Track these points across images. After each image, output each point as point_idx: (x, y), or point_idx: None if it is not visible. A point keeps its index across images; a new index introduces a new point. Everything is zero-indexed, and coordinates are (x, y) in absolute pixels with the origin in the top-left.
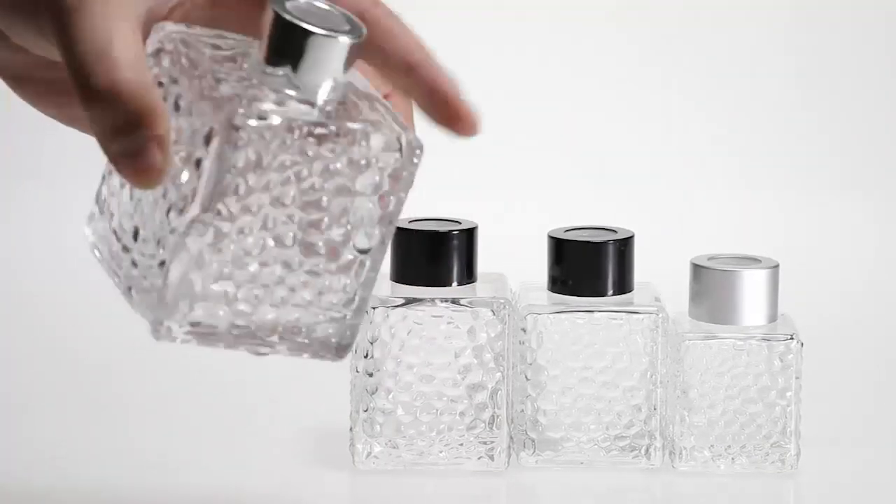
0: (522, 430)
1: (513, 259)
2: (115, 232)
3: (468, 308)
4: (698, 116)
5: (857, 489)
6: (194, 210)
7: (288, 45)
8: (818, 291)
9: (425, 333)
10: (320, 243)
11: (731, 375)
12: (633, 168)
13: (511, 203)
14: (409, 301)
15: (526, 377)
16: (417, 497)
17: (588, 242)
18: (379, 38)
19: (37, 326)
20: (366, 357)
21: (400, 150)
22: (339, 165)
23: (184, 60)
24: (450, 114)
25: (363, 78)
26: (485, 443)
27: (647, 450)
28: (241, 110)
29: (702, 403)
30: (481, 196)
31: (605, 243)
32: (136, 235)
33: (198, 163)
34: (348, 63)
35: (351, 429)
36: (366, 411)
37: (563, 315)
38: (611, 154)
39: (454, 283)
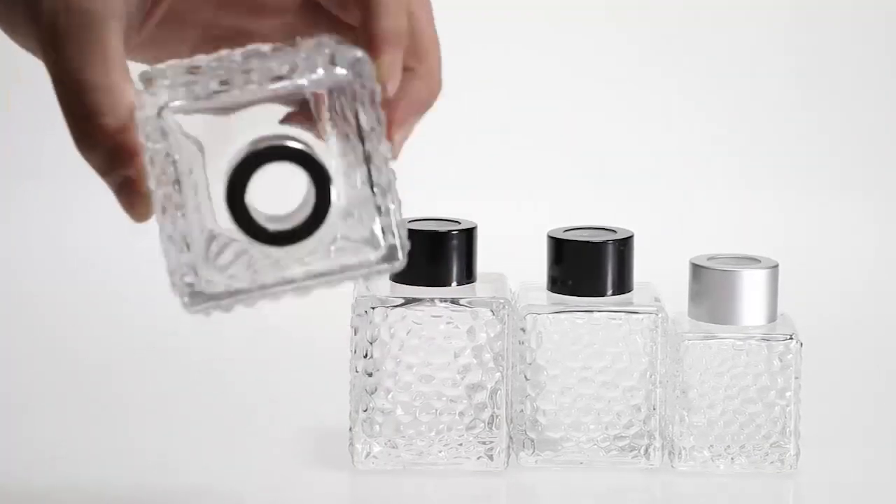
0: (522, 430)
1: (512, 259)
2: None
3: (468, 308)
4: (698, 116)
5: (857, 489)
6: None
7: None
8: (818, 291)
9: (425, 333)
10: None
11: (731, 375)
12: (632, 168)
13: (511, 203)
14: (409, 301)
15: (525, 377)
16: (417, 497)
17: (588, 242)
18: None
19: (37, 326)
20: (365, 357)
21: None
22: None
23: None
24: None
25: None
26: (484, 443)
27: (646, 450)
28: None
29: (701, 403)
30: (481, 196)
31: (604, 243)
32: None
33: None
34: None
35: (350, 429)
36: (365, 411)
37: (562, 315)
38: (610, 154)
39: (454, 283)
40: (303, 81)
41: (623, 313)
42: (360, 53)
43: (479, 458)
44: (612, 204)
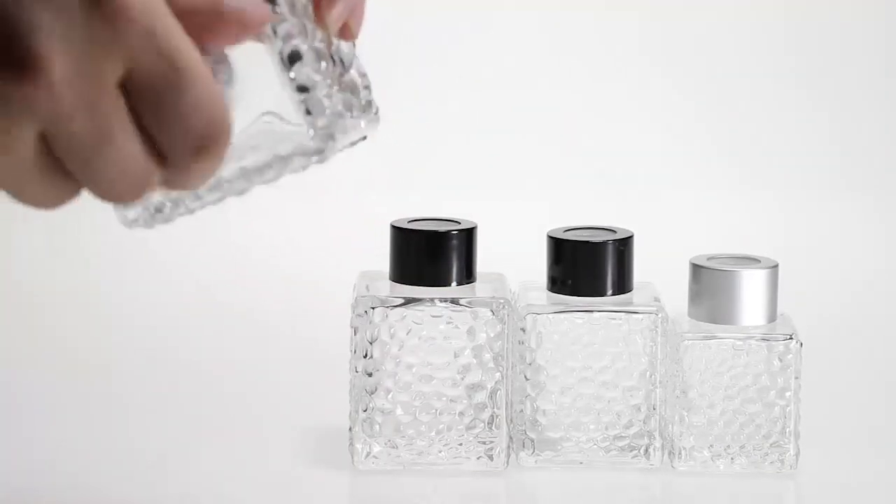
0: (522, 430)
1: (512, 259)
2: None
3: (467, 308)
4: (699, 116)
5: (857, 489)
6: None
7: None
8: (817, 291)
9: (424, 333)
10: None
11: (731, 375)
12: (632, 168)
13: (511, 203)
14: (409, 301)
15: (525, 377)
16: (417, 497)
17: (587, 242)
18: None
19: (37, 326)
20: (365, 357)
21: None
22: None
23: None
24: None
25: None
26: (484, 443)
27: (646, 450)
28: None
29: (701, 403)
30: (481, 196)
31: (604, 243)
32: None
33: None
34: None
35: (350, 429)
36: (365, 411)
37: (562, 315)
38: (610, 154)
39: (453, 283)
40: None
41: (623, 313)
42: None
43: (479, 458)
44: (612, 204)
